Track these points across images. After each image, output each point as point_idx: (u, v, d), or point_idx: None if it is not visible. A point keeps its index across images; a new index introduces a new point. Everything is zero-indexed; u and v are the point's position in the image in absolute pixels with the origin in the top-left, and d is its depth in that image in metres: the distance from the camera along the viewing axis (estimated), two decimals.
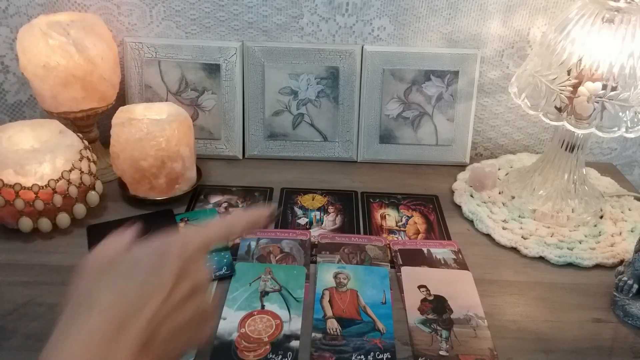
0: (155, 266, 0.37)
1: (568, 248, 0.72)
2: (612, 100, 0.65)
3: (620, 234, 0.75)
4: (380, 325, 0.59)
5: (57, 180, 0.69)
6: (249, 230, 0.46)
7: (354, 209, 0.79)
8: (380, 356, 0.55)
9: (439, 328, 0.58)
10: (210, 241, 0.42)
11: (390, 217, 0.78)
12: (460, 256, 0.70)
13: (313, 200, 0.81)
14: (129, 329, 0.34)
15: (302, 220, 0.76)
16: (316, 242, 0.71)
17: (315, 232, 0.73)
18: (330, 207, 0.79)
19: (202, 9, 0.87)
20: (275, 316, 0.59)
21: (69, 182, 0.70)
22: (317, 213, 0.78)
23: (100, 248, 0.41)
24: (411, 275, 0.66)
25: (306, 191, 0.83)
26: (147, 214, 0.76)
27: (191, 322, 0.38)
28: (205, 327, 0.41)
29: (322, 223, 0.76)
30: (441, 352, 0.55)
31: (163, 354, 0.36)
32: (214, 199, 0.80)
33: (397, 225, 0.76)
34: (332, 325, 0.58)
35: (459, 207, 0.80)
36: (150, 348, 0.35)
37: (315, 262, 0.68)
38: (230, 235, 0.44)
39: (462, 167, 0.91)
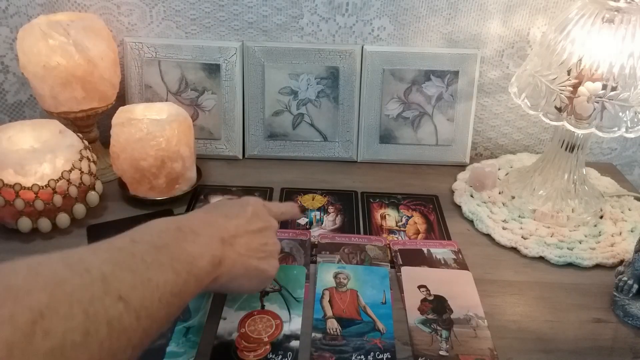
0: (238, 203, 0.55)
1: (568, 248, 0.72)
2: (612, 100, 0.65)
3: (620, 234, 0.75)
4: (380, 325, 0.59)
5: (57, 180, 0.69)
6: (288, 216, 0.65)
7: (354, 209, 0.79)
8: (380, 356, 0.55)
9: (439, 328, 0.58)
10: (273, 208, 0.59)
11: (390, 217, 0.78)
12: (460, 256, 0.70)
13: (313, 200, 0.81)
14: (213, 226, 0.49)
15: (302, 220, 0.76)
16: (316, 242, 0.71)
17: (315, 232, 0.73)
18: (330, 207, 0.79)
19: (202, 9, 0.87)
20: (275, 316, 0.59)
21: (69, 182, 0.70)
22: (317, 213, 0.78)
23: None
24: (411, 275, 0.66)
25: (306, 191, 0.83)
26: (147, 214, 0.76)
27: (260, 250, 0.53)
28: (274, 264, 0.55)
29: (322, 223, 0.76)
30: (441, 352, 0.55)
31: (243, 259, 0.50)
32: (214, 199, 0.80)
33: (397, 225, 0.76)
34: (332, 325, 0.58)
35: (459, 207, 0.80)
36: (234, 247, 0.50)
37: (315, 262, 0.68)
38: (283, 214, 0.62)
39: (462, 167, 0.91)
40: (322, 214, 0.78)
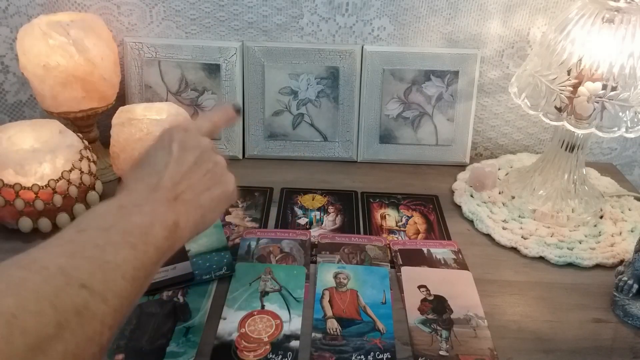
0: (163, 145, 0.50)
1: (568, 248, 0.72)
2: (612, 100, 0.65)
3: (620, 234, 0.75)
4: (380, 325, 0.59)
5: (57, 180, 0.69)
6: (224, 123, 0.58)
7: (354, 209, 0.79)
8: (380, 356, 0.55)
9: (439, 328, 0.58)
10: (202, 125, 0.54)
11: (390, 217, 0.78)
12: (460, 256, 0.70)
13: (313, 200, 0.81)
14: (158, 189, 0.46)
15: (302, 220, 0.76)
16: (316, 242, 0.71)
17: (315, 232, 0.73)
18: (330, 207, 0.79)
19: (202, 9, 0.87)
20: (275, 316, 0.59)
21: (69, 182, 0.70)
22: (317, 213, 0.78)
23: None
24: (411, 275, 0.66)
25: (306, 191, 0.83)
26: None
27: (205, 181, 0.49)
28: (226, 180, 0.52)
29: (322, 223, 0.76)
30: (441, 352, 0.55)
31: (196, 203, 0.48)
32: None
33: (397, 225, 0.76)
34: (332, 325, 0.58)
35: (459, 207, 0.80)
36: (182, 199, 0.47)
37: (315, 262, 0.68)
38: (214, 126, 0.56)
39: (462, 167, 0.91)
40: (322, 214, 0.78)
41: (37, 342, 0.31)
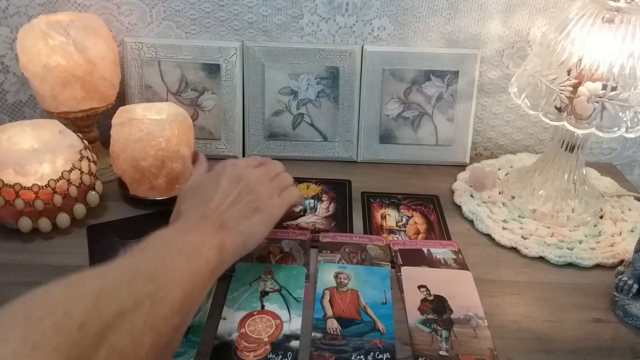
0: (212, 179, 0.60)
1: (568, 248, 0.72)
2: (612, 100, 0.65)
3: (620, 234, 0.75)
4: (380, 325, 0.59)
5: (57, 180, 0.69)
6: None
7: (347, 198, 0.81)
8: (380, 356, 0.55)
9: (439, 328, 0.58)
10: (251, 161, 0.64)
11: (390, 217, 0.78)
12: (460, 256, 0.70)
13: (308, 189, 0.83)
14: (206, 217, 0.55)
15: (297, 208, 0.76)
16: (314, 229, 0.74)
17: (309, 219, 0.75)
18: (324, 195, 0.81)
19: (202, 9, 0.87)
20: (275, 316, 0.59)
21: (69, 182, 0.70)
22: (312, 201, 0.80)
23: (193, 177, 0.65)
24: (411, 275, 0.66)
25: (301, 180, 0.85)
26: (147, 214, 0.76)
27: (247, 209, 0.57)
28: (266, 208, 0.59)
29: (316, 210, 0.77)
30: (441, 352, 0.55)
31: (237, 229, 0.55)
32: None
33: (397, 225, 0.76)
34: (332, 325, 0.58)
35: (459, 207, 0.80)
36: (226, 226, 0.54)
37: (316, 247, 0.70)
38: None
39: (462, 167, 0.91)
40: (316, 202, 0.80)
41: (121, 311, 0.39)
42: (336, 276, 0.65)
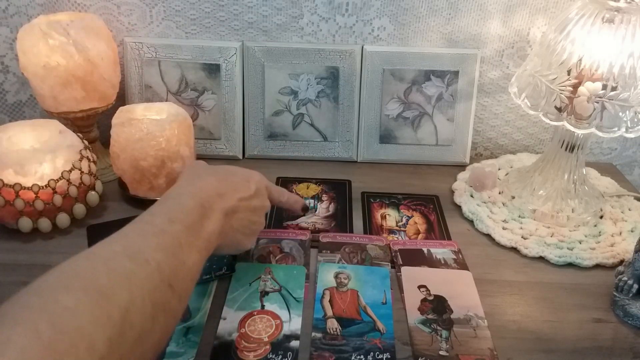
0: (245, 177, 0.59)
1: (568, 248, 0.72)
2: (612, 100, 0.65)
3: (620, 234, 0.75)
4: (380, 325, 0.59)
5: (57, 180, 0.69)
6: (286, 205, 0.67)
7: (347, 198, 0.81)
8: (380, 356, 0.55)
9: (439, 328, 0.58)
10: (274, 192, 0.64)
11: (390, 217, 0.78)
12: (460, 256, 0.70)
13: (308, 188, 0.83)
14: (224, 199, 0.54)
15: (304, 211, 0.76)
16: (314, 228, 0.73)
17: (309, 219, 0.75)
18: (324, 195, 0.82)
19: (202, 9, 0.87)
20: (275, 316, 0.59)
21: (69, 182, 0.70)
22: (312, 201, 0.80)
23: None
24: (411, 275, 0.66)
25: (301, 180, 0.85)
26: None
27: (248, 227, 0.58)
28: (252, 238, 0.60)
29: (316, 210, 0.77)
30: (441, 352, 0.55)
31: (235, 230, 0.55)
32: None
33: (397, 226, 0.76)
34: (332, 325, 0.58)
35: (459, 207, 0.80)
36: (230, 220, 0.54)
37: (316, 247, 0.70)
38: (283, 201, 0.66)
39: (462, 167, 0.91)
40: (316, 202, 0.80)
41: (140, 334, 0.36)
42: (336, 276, 0.65)
